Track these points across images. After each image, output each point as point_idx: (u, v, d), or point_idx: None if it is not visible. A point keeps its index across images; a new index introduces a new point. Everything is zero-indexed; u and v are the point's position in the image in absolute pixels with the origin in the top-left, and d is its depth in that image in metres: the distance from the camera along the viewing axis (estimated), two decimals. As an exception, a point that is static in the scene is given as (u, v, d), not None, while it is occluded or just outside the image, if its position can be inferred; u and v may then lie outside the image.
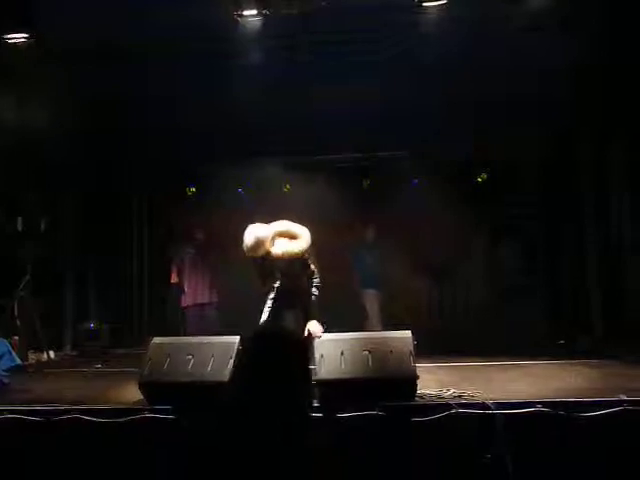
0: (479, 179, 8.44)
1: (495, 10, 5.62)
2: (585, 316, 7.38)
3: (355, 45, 6.09)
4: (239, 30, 5.81)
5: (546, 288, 8.25)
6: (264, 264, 4.25)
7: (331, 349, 3.91)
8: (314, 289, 4.24)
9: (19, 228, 7.26)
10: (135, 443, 3.61)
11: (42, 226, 7.52)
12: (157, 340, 4.24)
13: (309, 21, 5.77)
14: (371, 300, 7.33)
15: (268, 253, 4.14)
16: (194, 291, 7.20)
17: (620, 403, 3.49)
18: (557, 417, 3.48)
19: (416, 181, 8.53)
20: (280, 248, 4.13)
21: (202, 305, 7.19)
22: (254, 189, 8.55)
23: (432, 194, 7.75)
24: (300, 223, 4.33)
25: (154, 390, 3.94)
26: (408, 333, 4.00)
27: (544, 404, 3.55)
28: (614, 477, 3.32)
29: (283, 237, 4.19)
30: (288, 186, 8.40)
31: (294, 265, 4.20)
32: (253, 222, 4.21)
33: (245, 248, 4.13)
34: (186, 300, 7.21)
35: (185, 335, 6.57)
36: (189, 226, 7.49)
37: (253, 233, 4.12)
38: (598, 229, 7.45)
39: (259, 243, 4.09)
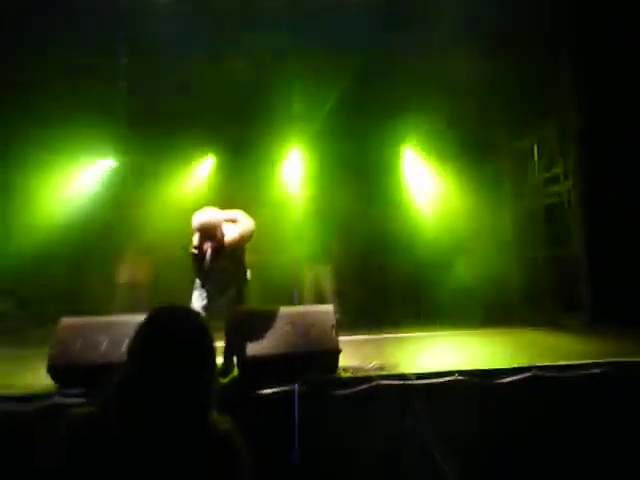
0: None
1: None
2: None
3: None
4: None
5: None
6: (200, 257, 3.89)
7: (253, 324, 3.87)
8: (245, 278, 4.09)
9: None
10: (45, 432, 3.42)
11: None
12: (67, 320, 4.02)
13: None
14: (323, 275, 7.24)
15: (218, 237, 3.86)
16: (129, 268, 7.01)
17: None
18: (473, 385, 3.61)
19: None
20: (230, 234, 3.91)
21: (133, 284, 7.00)
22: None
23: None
24: None
25: (65, 373, 3.74)
26: (330, 307, 4.00)
27: (461, 373, 3.66)
28: (522, 438, 3.49)
29: (228, 222, 3.99)
30: None
31: (227, 257, 3.96)
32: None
33: (199, 227, 3.82)
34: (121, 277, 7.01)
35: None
36: None
37: (209, 216, 3.85)
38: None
39: (215, 225, 3.83)
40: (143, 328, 1.48)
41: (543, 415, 3.48)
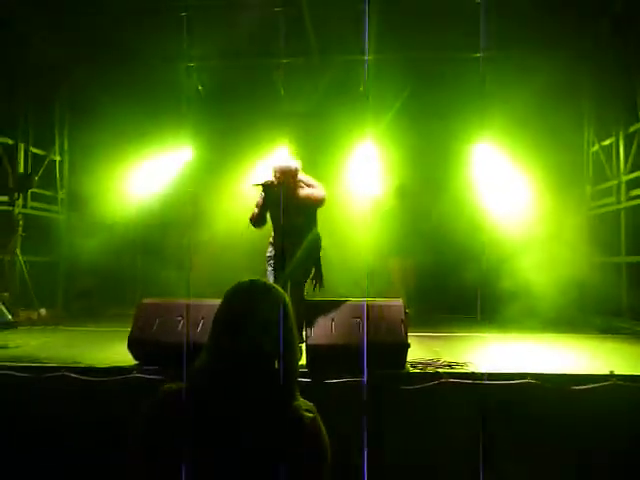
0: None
1: None
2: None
3: None
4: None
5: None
6: (269, 197, 4.40)
7: (321, 315, 3.92)
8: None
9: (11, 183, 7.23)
10: (123, 403, 3.64)
11: (33, 183, 7.48)
12: (147, 301, 4.24)
13: None
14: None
15: (292, 184, 4.35)
16: None
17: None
18: (547, 390, 3.51)
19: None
20: (305, 191, 4.40)
21: None
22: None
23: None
24: None
25: (143, 350, 3.96)
26: (400, 301, 4.00)
27: (534, 376, 3.58)
28: (601, 449, 3.37)
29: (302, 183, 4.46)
30: None
31: (301, 214, 4.39)
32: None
33: (277, 169, 4.37)
34: None
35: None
36: None
37: (288, 162, 4.45)
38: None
39: (292, 170, 4.36)
40: (226, 304, 1.49)
41: (626, 428, 3.33)
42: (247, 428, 1.36)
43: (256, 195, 4.56)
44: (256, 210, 4.54)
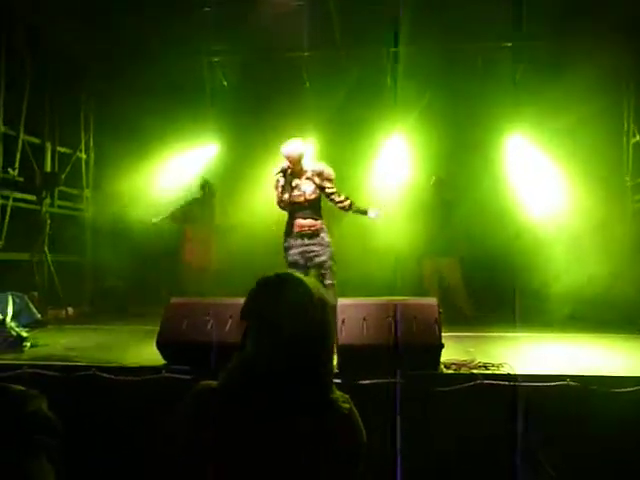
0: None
1: None
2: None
3: None
4: None
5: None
6: (286, 179, 5.02)
7: (353, 314, 3.91)
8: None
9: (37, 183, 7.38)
10: (152, 402, 3.69)
11: (59, 181, 7.63)
12: (175, 300, 4.29)
13: None
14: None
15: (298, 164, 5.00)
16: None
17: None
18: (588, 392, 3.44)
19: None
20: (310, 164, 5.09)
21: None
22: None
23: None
24: None
25: (172, 350, 4.00)
26: (434, 300, 3.96)
27: (574, 378, 3.51)
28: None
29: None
30: None
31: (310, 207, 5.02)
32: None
33: (287, 151, 4.97)
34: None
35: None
36: None
37: (298, 143, 5.06)
38: None
39: (301, 153, 5.01)
40: (254, 298, 1.46)
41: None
42: (285, 423, 1.36)
43: (272, 180, 5.14)
44: (278, 192, 5.05)
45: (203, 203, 7.63)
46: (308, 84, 7.97)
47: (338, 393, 1.44)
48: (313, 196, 5.02)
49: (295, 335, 1.38)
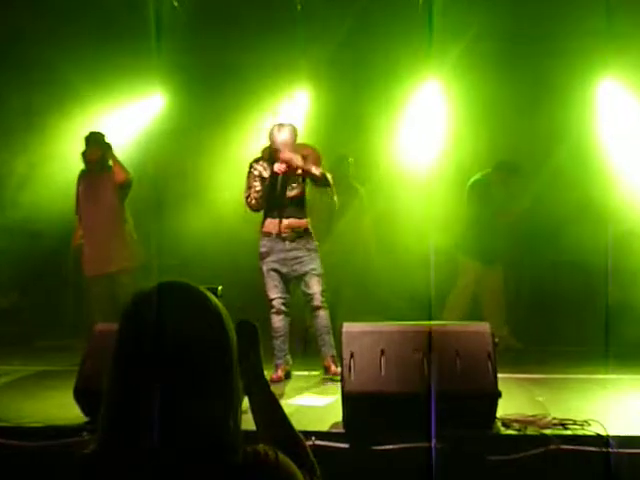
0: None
1: None
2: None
3: None
4: None
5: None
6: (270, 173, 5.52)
7: (366, 346, 3.93)
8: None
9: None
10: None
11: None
12: (102, 326, 4.31)
13: None
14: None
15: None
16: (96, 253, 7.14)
17: None
18: None
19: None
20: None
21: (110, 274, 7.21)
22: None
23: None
24: None
25: (96, 402, 3.98)
26: (485, 326, 3.98)
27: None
28: None
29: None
30: None
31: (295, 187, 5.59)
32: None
33: (283, 137, 5.52)
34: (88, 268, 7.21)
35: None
36: None
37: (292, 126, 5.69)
38: None
39: (294, 137, 5.61)
40: (126, 320, 1.52)
41: None
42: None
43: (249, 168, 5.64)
44: (257, 186, 5.51)
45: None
46: (300, 7, 7.98)
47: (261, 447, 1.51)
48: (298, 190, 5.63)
49: (164, 364, 1.43)
